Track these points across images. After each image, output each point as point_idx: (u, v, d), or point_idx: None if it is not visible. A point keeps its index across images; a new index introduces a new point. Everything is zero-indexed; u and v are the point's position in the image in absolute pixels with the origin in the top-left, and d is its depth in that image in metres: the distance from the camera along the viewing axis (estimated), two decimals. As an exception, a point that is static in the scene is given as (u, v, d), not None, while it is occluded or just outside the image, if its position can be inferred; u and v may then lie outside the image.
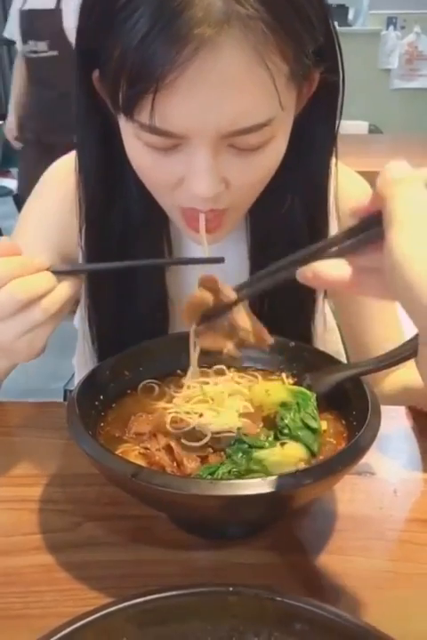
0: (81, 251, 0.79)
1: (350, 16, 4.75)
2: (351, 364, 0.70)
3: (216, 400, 0.66)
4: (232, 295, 0.55)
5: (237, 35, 0.53)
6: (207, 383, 0.69)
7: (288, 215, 0.73)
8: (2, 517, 0.62)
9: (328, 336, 0.96)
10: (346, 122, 3.30)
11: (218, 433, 0.60)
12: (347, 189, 0.83)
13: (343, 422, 0.62)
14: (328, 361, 0.68)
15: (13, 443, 0.75)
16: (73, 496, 0.65)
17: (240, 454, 0.56)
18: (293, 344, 0.71)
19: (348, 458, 0.51)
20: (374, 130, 3.57)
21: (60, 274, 0.58)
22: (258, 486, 0.48)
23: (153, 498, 0.51)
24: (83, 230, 0.76)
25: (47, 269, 0.57)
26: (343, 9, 4.68)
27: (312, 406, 0.61)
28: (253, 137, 0.58)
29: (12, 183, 3.95)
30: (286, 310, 0.79)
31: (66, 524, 0.62)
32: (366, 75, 4.28)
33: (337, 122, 0.70)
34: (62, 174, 0.83)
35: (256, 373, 0.71)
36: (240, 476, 0.53)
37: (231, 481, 0.51)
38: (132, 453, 0.57)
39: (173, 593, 0.39)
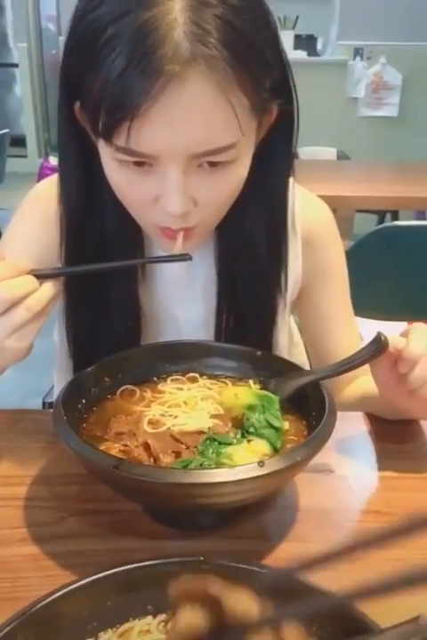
0: (61, 264, 0.85)
1: (319, 46, 4.92)
2: (312, 370, 0.77)
3: (189, 403, 0.72)
4: (252, 609, 0.34)
5: (203, 71, 0.61)
6: (181, 389, 0.75)
7: (250, 231, 0.81)
8: (-3, 513, 0.67)
9: (294, 349, 1.03)
10: (315, 148, 3.44)
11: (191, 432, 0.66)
12: (308, 212, 0.91)
13: (304, 422, 0.69)
14: (291, 368, 0.74)
15: (4, 447, 0.79)
16: (56, 493, 0.70)
17: (211, 450, 0.62)
18: (259, 353, 0.77)
19: (307, 449, 0.58)
20: (342, 156, 3.70)
21: (41, 277, 0.64)
22: (227, 475, 0.54)
23: (133, 488, 0.56)
24: (63, 245, 0.82)
25: (29, 273, 0.63)
26: (312, 39, 4.84)
27: (276, 408, 0.67)
28: (218, 158, 0.66)
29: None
30: (248, 323, 0.85)
31: (50, 519, 0.67)
32: (335, 103, 4.44)
33: (293, 148, 0.78)
34: (45, 193, 0.88)
35: (226, 380, 0.77)
36: (211, 468, 0.59)
37: (203, 470, 0.57)
38: (112, 450, 0.63)
39: (151, 562, 0.45)
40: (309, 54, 4.67)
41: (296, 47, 4.61)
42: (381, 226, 2.01)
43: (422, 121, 4.42)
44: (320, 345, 0.97)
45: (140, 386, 0.76)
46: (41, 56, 6.54)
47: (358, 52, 4.46)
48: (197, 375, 0.78)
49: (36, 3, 6.28)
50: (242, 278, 0.84)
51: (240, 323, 0.86)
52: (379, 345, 0.68)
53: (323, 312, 0.95)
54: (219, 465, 0.60)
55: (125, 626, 0.44)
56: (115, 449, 0.63)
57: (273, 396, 0.69)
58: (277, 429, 0.65)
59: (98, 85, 0.63)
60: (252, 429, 0.65)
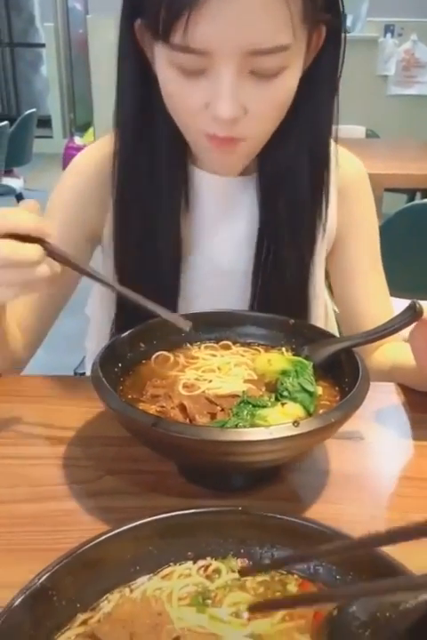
0: (110, 217, 0.89)
1: (349, 23, 4.83)
2: (344, 337, 0.77)
3: (223, 369, 0.73)
4: None
5: None
6: (215, 355, 0.77)
7: (295, 155, 0.83)
8: (33, 471, 0.70)
9: (328, 322, 1.04)
10: (344, 126, 3.39)
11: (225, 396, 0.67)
12: (344, 165, 0.93)
13: (337, 388, 0.69)
14: (324, 336, 0.75)
15: (36, 409, 0.82)
16: (94, 454, 0.73)
17: (246, 412, 0.63)
18: (292, 321, 0.78)
19: (340, 412, 0.59)
20: (371, 134, 3.65)
21: (52, 254, 0.62)
22: (263, 433, 0.55)
23: (170, 445, 0.58)
24: (115, 169, 0.85)
25: (46, 244, 0.61)
26: (342, 16, 4.76)
27: (309, 373, 0.68)
28: (270, 60, 0.67)
29: (15, 182, 4.01)
30: (288, 253, 0.87)
31: (89, 477, 0.69)
32: (364, 80, 4.36)
33: (338, 74, 0.80)
34: (94, 155, 0.91)
35: (259, 348, 0.78)
36: (247, 428, 0.60)
37: (239, 429, 0.58)
38: (149, 411, 0.64)
39: (193, 511, 0.47)
40: (338, 31, 4.59)
41: (325, 24, 4.53)
42: (409, 204, 2.00)
43: (453, 99, 4.34)
44: (350, 300, 0.97)
45: (173, 352, 0.77)
46: (68, 36, 6.56)
47: (388, 28, 4.37)
48: (230, 343, 0.79)
49: (63, -18, 6.30)
50: (284, 202, 0.85)
51: (280, 253, 0.87)
52: (413, 312, 0.68)
53: (354, 266, 0.96)
54: (254, 426, 0.61)
55: (167, 570, 0.46)
56: (151, 410, 0.64)
57: (306, 361, 0.70)
58: (310, 394, 0.66)
59: None
60: (285, 393, 0.66)
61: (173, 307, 0.89)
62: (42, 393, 0.85)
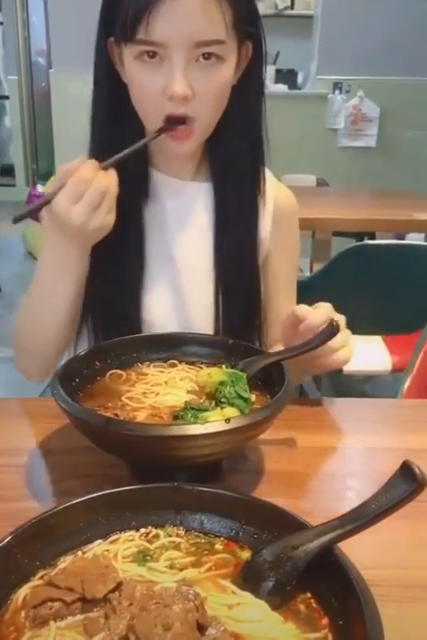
0: None
1: (300, 80, 5.13)
2: (274, 352, 0.87)
3: (169, 383, 0.82)
4: None
5: None
6: (162, 372, 0.86)
7: (238, 146, 1.01)
8: (3, 477, 0.77)
9: None
10: (296, 175, 3.58)
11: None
12: (278, 195, 1.10)
13: (268, 396, 0.80)
14: (257, 352, 0.85)
15: (6, 427, 0.90)
16: (53, 463, 0.81)
17: (190, 415, 0.72)
18: (231, 342, 0.89)
19: (266, 411, 0.69)
20: (321, 182, 3.87)
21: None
22: (199, 429, 0.64)
23: (121, 442, 0.66)
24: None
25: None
26: (293, 74, 5.07)
27: (244, 382, 0.78)
28: (210, 50, 0.87)
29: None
30: (234, 220, 1.03)
31: (49, 482, 0.78)
32: (315, 134, 4.63)
33: (263, 77, 1.00)
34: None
35: (202, 365, 0.88)
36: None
37: (180, 425, 0.67)
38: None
39: (134, 487, 0.56)
40: (289, 88, 4.87)
41: (277, 81, 4.81)
42: (352, 245, 2.15)
43: (399, 151, 4.62)
44: (273, 307, 1.11)
45: (125, 370, 0.86)
46: (31, 88, 6.72)
47: (336, 85, 4.66)
48: (176, 362, 0.89)
49: (26, 37, 6.50)
50: (231, 182, 1.03)
51: (233, 226, 1.04)
52: (332, 329, 0.79)
53: (278, 282, 1.12)
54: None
55: (114, 536, 0.54)
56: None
57: (241, 373, 0.80)
58: (245, 400, 0.76)
59: (126, 4, 0.85)
60: (224, 400, 0.76)
61: (136, 293, 1.02)
62: (3, 413, 0.93)
